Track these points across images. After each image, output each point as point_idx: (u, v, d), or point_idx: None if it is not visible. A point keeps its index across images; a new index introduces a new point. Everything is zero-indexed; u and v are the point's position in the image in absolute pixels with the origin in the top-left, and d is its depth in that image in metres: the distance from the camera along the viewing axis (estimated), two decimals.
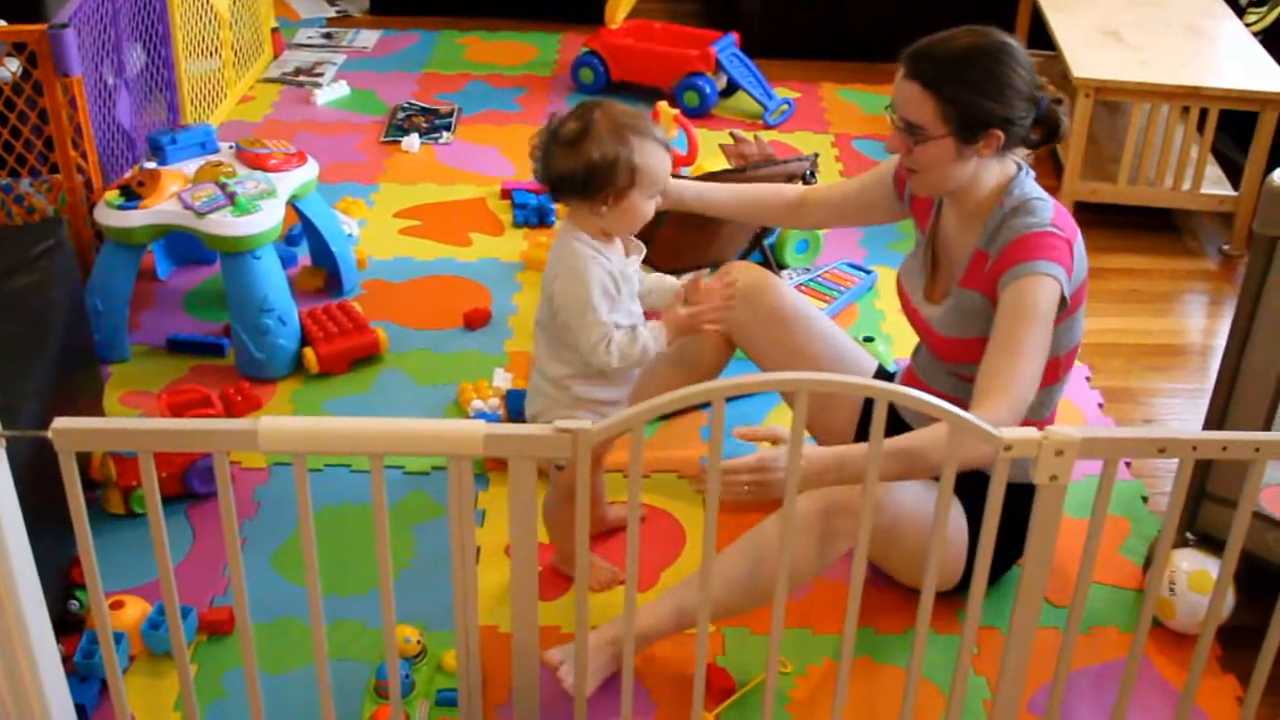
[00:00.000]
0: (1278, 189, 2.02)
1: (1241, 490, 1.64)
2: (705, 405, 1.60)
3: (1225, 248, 3.61)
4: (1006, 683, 1.77)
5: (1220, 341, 2.42)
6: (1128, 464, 2.72)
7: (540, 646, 1.80)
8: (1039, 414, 2.16)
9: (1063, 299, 2.02)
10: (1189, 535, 2.28)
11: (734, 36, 4.34)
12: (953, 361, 2.19)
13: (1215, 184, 3.67)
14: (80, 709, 1.96)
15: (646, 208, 2.07)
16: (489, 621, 2.23)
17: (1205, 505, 2.25)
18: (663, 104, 3.56)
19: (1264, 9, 4.02)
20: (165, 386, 2.81)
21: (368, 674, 2.15)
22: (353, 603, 2.29)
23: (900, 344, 2.99)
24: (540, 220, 3.54)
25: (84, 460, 2.38)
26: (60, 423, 1.49)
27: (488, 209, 3.65)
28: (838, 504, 2.00)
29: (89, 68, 2.98)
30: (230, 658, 2.17)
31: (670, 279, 2.21)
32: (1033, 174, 2.12)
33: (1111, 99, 3.73)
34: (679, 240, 2.88)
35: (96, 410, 2.65)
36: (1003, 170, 2.10)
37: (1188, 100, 3.50)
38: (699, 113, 4.15)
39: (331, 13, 5.09)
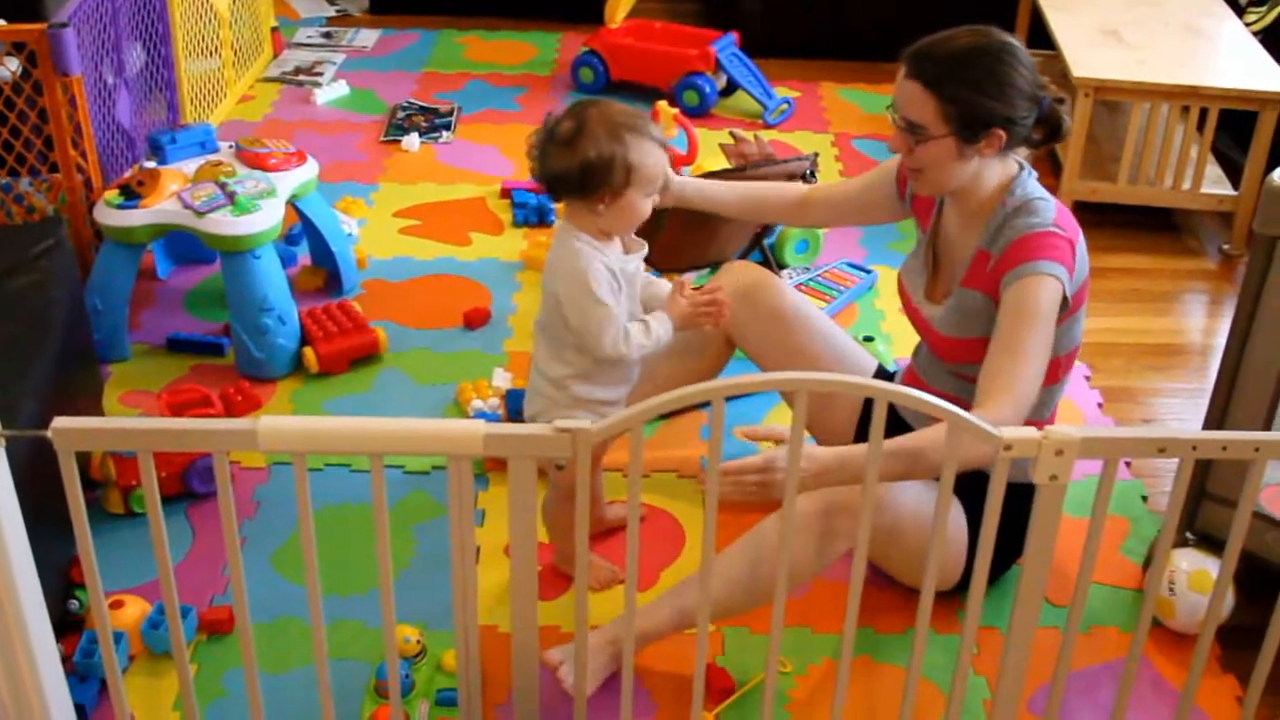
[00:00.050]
0: (1278, 188, 2.02)
1: (1241, 490, 1.64)
2: (705, 405, 1.60)
3: (1225, 247, 3.61)
4: (1006, 682, 1.77)
5: (1220, 341, 2.42)
6: (1128, 464, 2.72)
7: (540, 646, 1.80)
8: (1039, 414, 2.16)
9: (1065, 299, 2.02)
10: (1189, 535, 2.28)
11: (733, 36, 4.34)
12: (953, 361, 2.19)
13: (1215, 183, 3.67)
14: (80, 709, 1.96)
15: (644, 206, 2.07)
16: (489, 621, 2.23)
17: (1205, 505, 2.25)
18: (662, 103, 3.56)
19: (1263, 8, 4.02)
20: (165, 386, 2.81)
21: (367, 674, 2.15)
22: (352, 602, 2.29)
23: (900, 344, 2.99)
24: (540, 220, 3.54)
25: (84, 460, 2.38)
26: (60, 422, 1.49)
27: (487, 208, 3.65)
28: (837, 504, 2.00)
29: (89, 67, 2.98)
30: (230, 657, 2.16)
31: (664, 284, 2.20)
32: (1034, 174, 2.12)
33: (1111, 98, 3.73)
34: (679, 240, 2.88)
35: (96, 410, 2.65)
36: (1004, 170, 2.10)
37: (1187, 100, 3.50)
38: (699, 112, 4.15)
39: (331, 12, 5.09)
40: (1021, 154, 2.13)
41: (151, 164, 3.01)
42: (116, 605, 2.16)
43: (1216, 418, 2.19)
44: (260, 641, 2.07)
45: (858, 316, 3.20)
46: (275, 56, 4.59)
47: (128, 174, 2.99)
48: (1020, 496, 1.78)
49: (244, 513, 2.49)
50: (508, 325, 3.12)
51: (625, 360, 2.11)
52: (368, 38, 4.81)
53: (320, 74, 4.47)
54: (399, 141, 3.98)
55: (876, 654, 2.23)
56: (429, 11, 5.01)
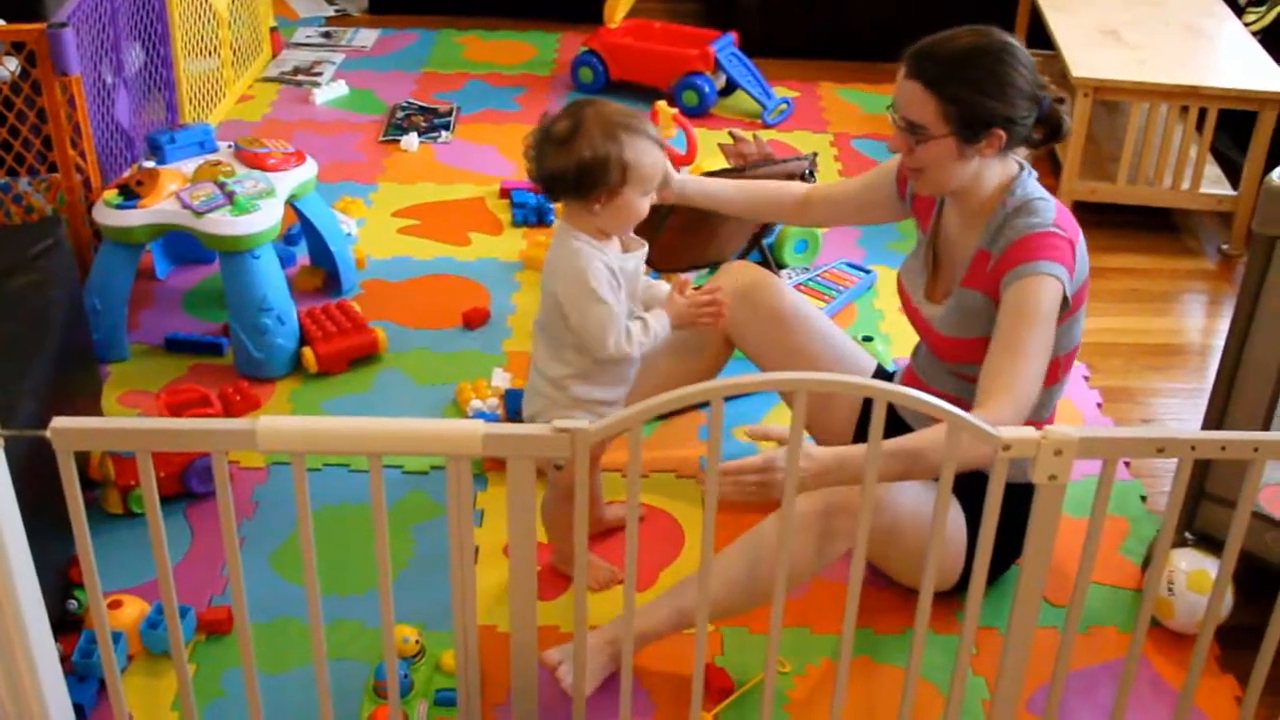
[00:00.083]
0: (1277, 188, 2.02)
1: (1240, 490, 1.64)
2: (703, 405, 1.60)
3: (1224, 247, 3.61)
4: (1005, 682, 1.77)
5: (1219, 341, 2.42)
6: (1126, 464, 2.72)
7: (539, 646, 1.80)
8: (1039, 414, 2.16)
9: (1065, 299, 2.02)
10: (1188, 535, 2.28)
11: (733, 36, 4.34)
12: (953, 361, 2.19)
13: (1214, 183, 3.67)
14: (79, 708, 1.96)
15: (641, 205, 2.07)
16: (487, 621, 2.23)
17: (1204, 505, 2.25)
18: (662, 103, 3.56)
19: (1263, 8, 4.02)
20: (164, 386, 2.81)
21: (366, 674, 2.15)
22: (351, 602, 2.29)
23: (899, 343, 2.99)
24: (539, 219, 3.54)
25: (82, 460, 2.38)
26: (58, 422, 1.49)
27: (486, 208, 3.64)
28: (837, 504, 2.00)
29: (88, 67, 2.98)
30: (229, 657, 2.16)
31: (663, 285, 2.20)
32: (1035, 174, 2.12)
33: (1110, 98, 3.73)
34: (678, 240, 2.88)
35: (95, 410, 2.65)
36: (1005, 170, 2.10)
37: (1186, 100, 3.50)
38: (698, 112, 4.15)
39: (330, 12, 5.09)
40: (1021, 154, 2.13)
41: (150, 164, 3.01)
42: (115, 605, 2.15)
43: (1215, 418, 2.19)
44: (259, 641, 2.07)
45: (857, 316, 3.20)
46: (274, 56, 4.59)
47: (126, 174, 2.99)
48: (1019, 496, 1.78)
49: (243, 513, 2.49)
50: (507, 325, 3.12)
51: (625, 359, 2.11)
52: (367, 37, 4.81)
53: (319, 74, 4.47)
54: (398, 141, 3.98)
55: (875, 654, 2.23)
56: (428, 11, 5.01)
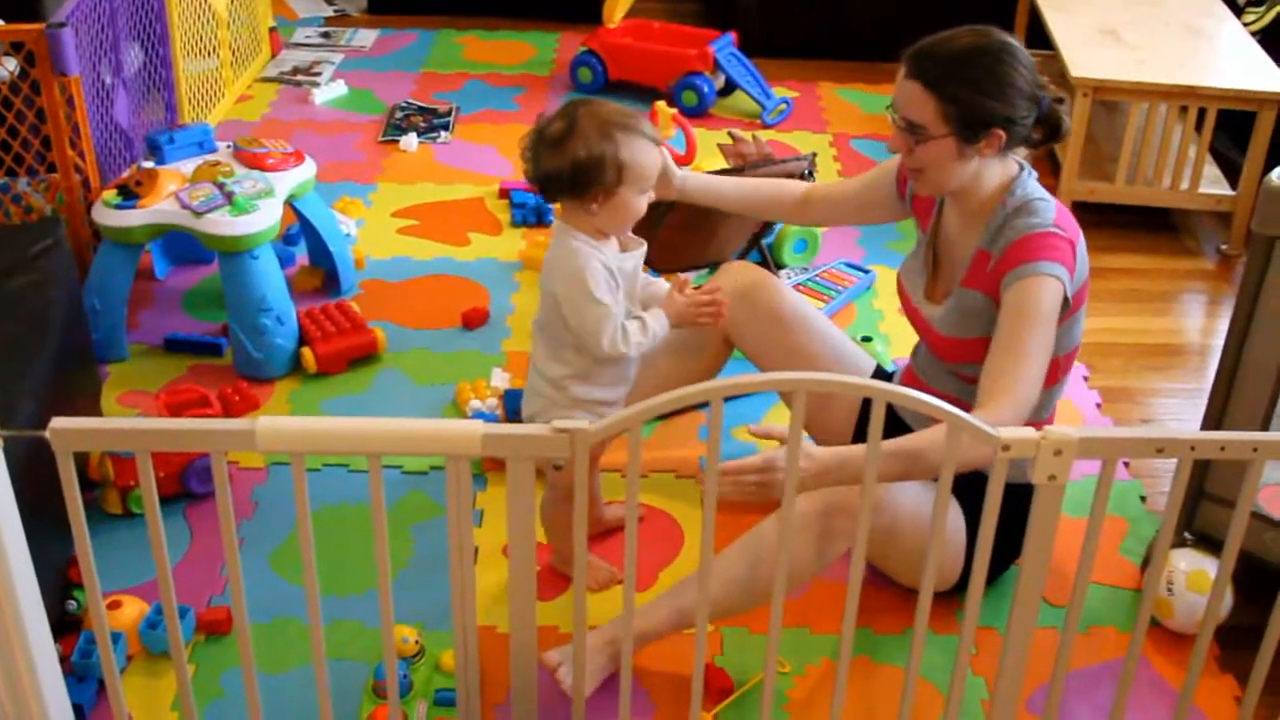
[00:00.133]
0: (1276, 188, 2.02)
1: (1240, 490, 1.64)
2: (703, 405, 1.60)
3: (1223, 247, 3.61)
4: (1004, 682, 1.77)
5: (1218, 341, 2.42)
6: (1126, 464, 2.72)
7: (538, 646, 1.80)
8: (1039, 415, 2.16)
9: (1065, 299, 2.02)
10: (1187, 535, 2.28)
11: (732, 36, 4.34)
12: (953, 361, 2.19)
13: (1213, 183, 3.67)
14: (78, 709, 1.96)
15: (639, 203, 2.06)
16: (487, 621, 2.23)
17: (1203, 505, 2.25)
18: (661, 103, 3.56)
19: (1262, 8, 4.02)
20: (163, 386, 2.81)
21: (366, 674, 2.15)
22: (351, 603, 2.29)
23: (898, 344, 2.99)
24: (538, 220, 3.54)
25: (82, 460, 2.38)
26: (58, 422, 1.49)
27: (486, 208, 3.64)
28: (836, 504, 2.00)
29: (87, 67, 2.98)
30: (228, 658, 2.16)
31: (662, 284, 2.20)
32: (1035, 174, 2.12)
33: (1110, 98, 3.73)
34: (677, 239, 2.88)
35: (94, 410, 2.65)
36: (1005, 170, 2.10)
37: (1186, 100, 3.50)
38: (697, 112, 4.15)
39: (329, 12, 5.09)
40: (1021, 154, 2.14)
41: (149, 164, 3.01)
42: (114, 605, 2.15)
43: (1215, 418, 2.19)
44: (258, 642, 2.07)
45: (856, 316, 3.20)
46: (273, 56, 4.59)
47: (126, 174, 2.99)
48: (1019, 497, 1.78)
49: (242, 513, 2.49)
50: (506, 325, 3.12)
51: (624, 359, 2.11)
52: (366, 38, 4.81)
53: (318, 74, 4.47)
54: (397, 141, 3.98)
55: (875, 654, 2.23)
56: (427, 11, 5.01)
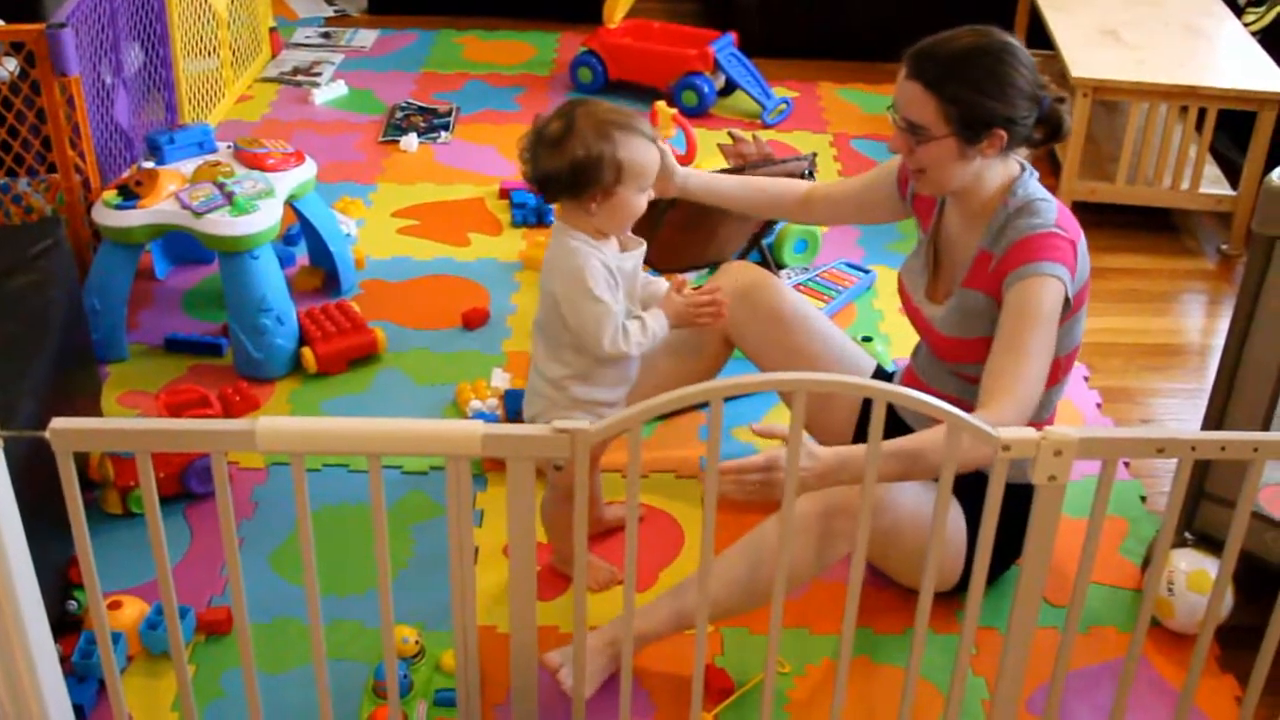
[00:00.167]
0: (1276, 188, 2.02)
1: (1240, 490, 1.64)
2: (703, 405, 1.60)
3: (1224, 247, 3.61)
4: (1005, 682, 1.77)
5: (1219, 341, 2.42)
6: (1126, 464, 2.72)
7: (539, 647, 1.80)
8: (1039, 415, 2.15)
9: (1066, 299, 2.02)
10: (1187, 535, 2.28)
11: (732, 36, 4.34)
12: (954, 361, 2.19)
13: (1213, 183, 3.67)
14: (78, 709, 1.96)
15: (637, 202, 2.06)
16: (487, 621, 2.23)
17: (1204, 505, 2.25)
18: (661, 103, 3.56)
19: (1262, 9, 4.02)
20: (163, 386, 2.81)
21: (366, 674, 2.15)
22: (351, 603, 2.29)
23: (898, 344, 2.99)
24: (539, 220, 3.54)
25: (82, 460, 2.38)
26: (58, 423, 1.49)
27: (486, 209, 3.64)
28: (837, 505, 2.00)
29: (87, 67, 2.98)
30: (228, 658, 2.16)
31: (662, 283, 2.20)
32: (1036, 174, 2.12)
33: (1110, 98, 3.73)
34: (677, 239, 2.88)
35: (94, 410, 2.65)
36: (1006, 170, 2.10)
37: (1186, 100, 3.50)
38: (697, 112, 4.15)
39: (329, 12, 5.09)
40: (1022, 154, 2.13)
41: (150, 164, 3.01)
42: (115, 606, 2.15)
43: (1215, 418, 2.19)
44: (259, 642, 2.07)
45: (856, 316, 3.20)
46: (273, 57, 4.59)
47: (126, 174, 2.99)
48: (1019, 497, 1.78)
49: (242, 513, 2.49)
50: (506, 325, 3.12)
51: (624, 359, 2.11)
52: (366, 38, 4.81)
53: (318, 74, 4.47)
54: (397, 142, 3.98)
55: (875, 654, 2.23)
56: (427, 11, 5.01)
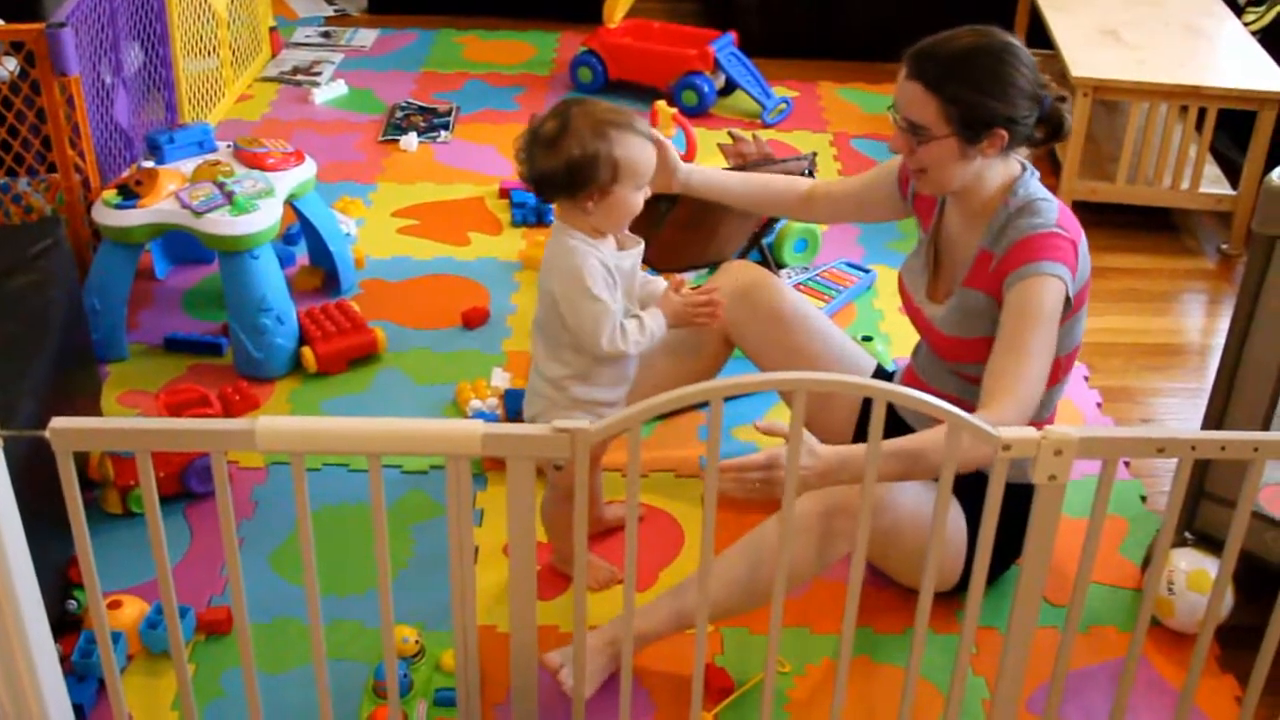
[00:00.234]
0: (1276, 188, 2.02)
1: (1240, 490, 1.64)
2: (703, 405, 1.60)
3: (1224, 247, 3.61)
4: (1005, 682, 1.77)
5: (1219, 341, 2.42)
6: (1126, 463, 2.72)
7: (539, 646, 1.80)
8: (1039, 414, 2.15)
9: (1067, 299, 2.02)
10: (1187, 535, 2.27)
11: (732, 36, 4.34)
12: (954, 361, 2.19)
13: (1214, 183, 3.67)
14: (78, 708, 1.96)
15: (635, 201, 2.06)
16: (487, 621, 2.23)
17: (1204, 505, 2.25)
18: (661, 103, 3.56)
19: (1262, 8, 4.02)
20: (163, 386, 2.81)
21: (366, 674, 2.15)
22: (351, 602, 2.29)
23: (899, 343, 2.99)
24: (538, 219, 3.54)
25: (82, 460, 2.38)
26: (58, 422, 1.49)
27: (486, 208, 3.64)
28: (838, 505, 2.00)
29: (87, 67, 2.98)
30: (228, 657, 2.16)
31: (660, 282, 2.20)
32: (1037, 174, 2.12)
33: (1110, 98, 3.73)
34: (678, 238, 2.88)
35: (94, 410, 2.65)
36: (1007, 170, 2.10)
37: (1186, 99, 3.50)
38: (697, 112, 4.15)
39: (329, 11, 5.09)
40: (1023, 154, 2.13)
41: (149, 164, 3.01)
42: (115, 605, 2.15)
43: (1215, 417, 2.19)
44: (258, 641, 2.07)
45: (856, 316, 3.20)
46: (273, 56, 4.59)
47: (126, 174, 2.99)
48: (1019, 497, 1.78)
49: (242, 513, 2.49)
50: (506, 325, 3.12)
51: (623, 359, 2.11)
52: (366, 37, 4.81)
53: (318, 74, 4.47)
54: (397, 141, 3.98)
55: (875, 654, 2.22)
56: (427, 11, 5.01)
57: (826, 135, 4.15)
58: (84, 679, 2.06)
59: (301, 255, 3.30)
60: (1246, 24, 3.96)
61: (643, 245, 2.15)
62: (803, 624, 2.27)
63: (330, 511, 2.49)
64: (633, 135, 2.02)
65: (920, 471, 1.91)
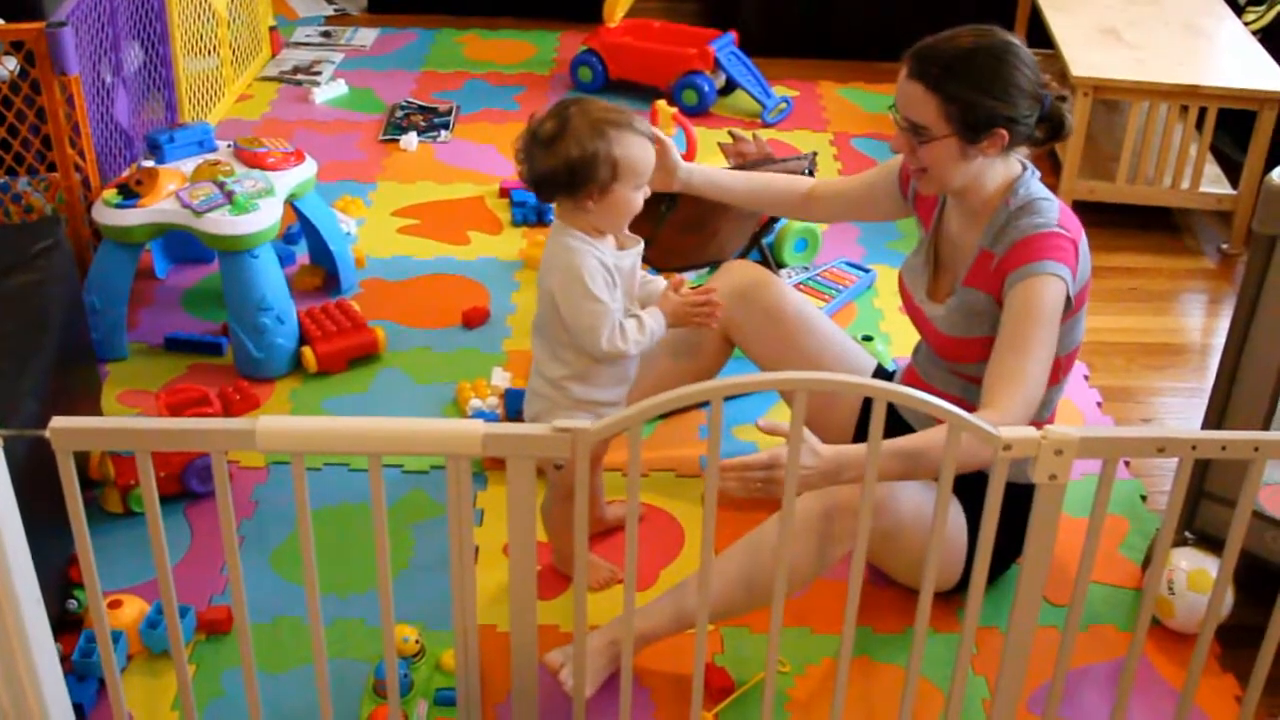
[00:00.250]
0: (1277, 187, 2.01)
1: (1240, 489, 1.64)
2: (703, 405, 1.60)
3: (1224, 246, 3.61)
4: (1005, 681, 1.76)
5: (1219, 340, 2.42)
6: (1127, 463, 2.72)
7: (539, 646, 1.80)
8: (1040, 414, 2.15)
9: (1068, 299, 2.02)
10: (1188, 534, 2.28)
11: (732, 35, 4.34)
12: (955, 360, 2.19)
13: (1214, 182, 3.67)
14: (78, 708, 1.96)
15: (634, 200, 2.06)
16: (487, 621, 2.23)
17: (1204, 504, 2.25)
18: (661, 102, 3.56)
19: (1262, 8, 4.02)
20: (163, 385, 2.81)
21: (366, 673, 2.15)
22: (351, 602, 2.29)
23: (899, 343, 2.99)
24: (539, 219, 3.54)
25: (82, 459, 2.38)
26: (58, 422, 1.49)
27: (486, 208, 3.64)
28: (838, 505, 2.00)
29: (87, 66, 2.98)
30: (228, 657, 2.16)
31: (660, 282, 2.20)
32: (1038, 174, 2.12)
33: (1110, 98, 3.73)
34: (678, 238, 2.88)
35: (94, 409, 2.65)
36: (1008, 169, 2.10)
37: (1186, 99, 3.50)
38: (697, 111, 4.15)
39: (330, 11, 5.08)
40: (1023, 153, 2.13)
41: (150, 163, 3.01)
42: (115, 605, 2.15)
43: (1215, 417, 2.19)
44: (259, 641, 2.07)
45: (856, 316, 3.20)
46: (273, 56, 4.59)
47: (126, 173, 2.98)
48: (1020, 496, 1.78)
49: (242, 512, 2.49)
50: (506, 325, 3.12)
51: (623, 359, 2.11)
52: (366, 37, 4.81)
53: (319, 73, 4.47)
54: (397, 141, 3.98)
55: (876, 654, 2.22)
56: (427, 10, 5.01)
57: (826, 135, 4.15)
58: (84, 678, 2.06)
59: (302, 255, 3.30)
60: (1246, 23, 3.96)
61: (643, 245, 2.14)
62: (803, 624, 2.27)
63: (330, 511, 2.50)
64: (632, 134, 2.02)
65: (921, 471, 1.91)
